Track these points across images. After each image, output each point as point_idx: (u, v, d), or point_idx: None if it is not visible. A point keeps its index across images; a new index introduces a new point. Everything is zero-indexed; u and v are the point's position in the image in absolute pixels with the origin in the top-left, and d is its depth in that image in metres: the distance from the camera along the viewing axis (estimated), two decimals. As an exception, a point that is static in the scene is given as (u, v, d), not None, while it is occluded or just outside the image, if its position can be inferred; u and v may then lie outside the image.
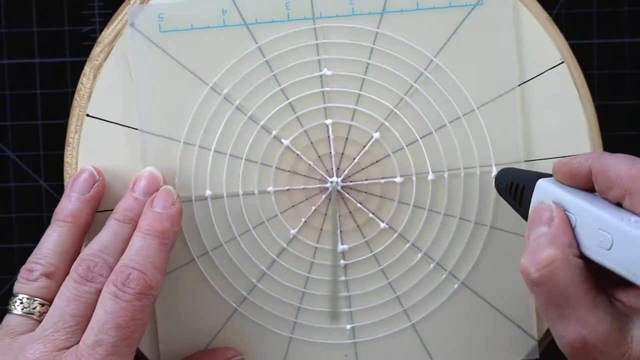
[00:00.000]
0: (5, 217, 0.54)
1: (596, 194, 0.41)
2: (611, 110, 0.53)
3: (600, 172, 0.40)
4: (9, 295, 0.46)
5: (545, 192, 0.43)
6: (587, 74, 0.50)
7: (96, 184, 0.48)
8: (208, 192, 0.49)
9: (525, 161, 0.49)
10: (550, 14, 0.50)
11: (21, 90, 0.54)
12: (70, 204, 0.47)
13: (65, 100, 0.53)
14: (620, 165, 0.40)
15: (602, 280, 0.40)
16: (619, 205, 0.40)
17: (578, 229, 0.41)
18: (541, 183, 0.43)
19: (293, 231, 0.50)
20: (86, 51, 0.53)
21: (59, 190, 0.52)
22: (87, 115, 0.49)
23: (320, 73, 0.49)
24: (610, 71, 0.53)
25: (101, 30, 0.53)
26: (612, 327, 0.39)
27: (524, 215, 0.44)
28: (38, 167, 0.54)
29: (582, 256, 0.40)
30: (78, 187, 0.48)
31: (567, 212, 0.41)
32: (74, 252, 0.47)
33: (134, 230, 0.46)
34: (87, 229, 0.48)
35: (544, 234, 0.41)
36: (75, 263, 0.45)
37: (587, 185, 0.42)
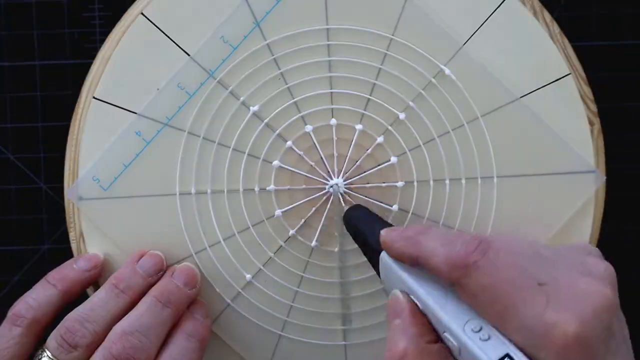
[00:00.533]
0: (5, 219, 0.55)
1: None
2: (612, 112, 0.53)
3: (422, 260, 0.39)
4: (8, 297, 0.46)
5: (389, 268, 0.41)
6: (586, 74, 0.50)
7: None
8: (209, 188, 0.50)
9: (525, 175, 0.49)
10: (551, 15, 0.50)
11: (22, 93, 0.54)
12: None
13: (65, 103, 0.53)
14: (438, 254, 0.38)
15: None
16: None
17: (429, 315, 0.39)
18: (384, 256, 0.42)
19: (292, 231, 0.50)
20: (86, 53, 0.53)
21: (59, 192, 0.52)
22: (94, 97, 0.50)
23: (329, 74, 0.49)
24: (611, 73, 0.53)
25: (101, 32, 0.53)
26: None
27: (377, 272, 0.43)
28: (38, 169, 0.54)
29: (440, 338, 0.39)
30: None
31: (415, 299, 0.40)
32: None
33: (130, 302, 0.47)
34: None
35: (396, 326, 0.40)
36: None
37: (418, 265, 0.40)
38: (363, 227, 0.45)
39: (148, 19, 0.49)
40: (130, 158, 0.49)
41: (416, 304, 0.40)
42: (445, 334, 0.38)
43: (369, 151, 0.50)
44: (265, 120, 0.50)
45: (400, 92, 0.49)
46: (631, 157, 0.53)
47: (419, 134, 0.50)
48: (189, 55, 0.49)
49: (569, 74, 0.49)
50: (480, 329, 0.37)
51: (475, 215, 0.50)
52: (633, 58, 0.53)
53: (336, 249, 0.50)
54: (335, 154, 0.50)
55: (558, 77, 0.49)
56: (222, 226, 0.50)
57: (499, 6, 0.49)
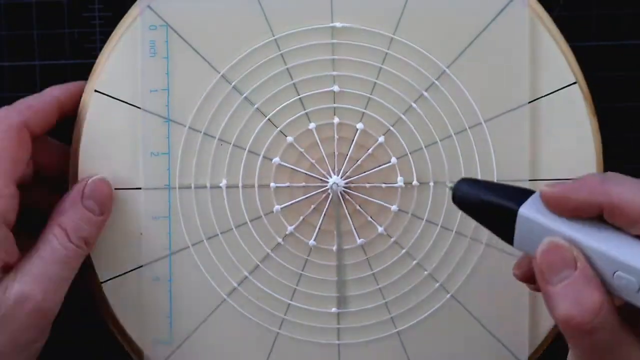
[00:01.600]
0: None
1: (598, 222, 0.38)
2: (611, 112, 0.53)
3: (614, 208, 0.36)
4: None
5: (537, 224, 0.38)
6: (586, 75, 0.50)
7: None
8: (208, 182, 0.50)
9: (529, 180, 0.49)
10: (550, 15, 0.50)
11: (21, 93, 0.54)
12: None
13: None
14: (635, 200, 0.36)
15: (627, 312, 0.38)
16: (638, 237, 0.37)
17: (594, 261, 0.37)
18: (525, 212, 0.39)
19: (290, 228, 0.50)
20: (86, 53, 0.53)
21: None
22: (95, 90, 0.50)
23: (333, 73, 0.49)
24: (611, 73, 0.53)
25: (101, 32, 0.53)
26: None
27: (507, 239, 0.40)
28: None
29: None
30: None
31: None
32: None
33: None
34: None
35: (576, 278, 0.37)
36: None
37: (595, 216, 0.38)
38: (486, 192, 0.40)
39: (153, 10, 0.49)
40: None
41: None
42: (617, 273, 0.36)
43: (370, 151, 0.50)
44: (268, 116, 0.50)
45: (403, 92, 0.49)
46: (631, 157, 0.53)
47: (420, 135, 0.50)
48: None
49: (575, 82, 0.49)
50: None
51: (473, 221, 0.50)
52: (633, 58, 0.53)
53: (334, 248, 0.50)
54: (336, 153, 0.50)
55: (564, 85, 0.49)
56: (220, 220, 0.50)
57: (504, 9, 0.49)
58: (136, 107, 0.50)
